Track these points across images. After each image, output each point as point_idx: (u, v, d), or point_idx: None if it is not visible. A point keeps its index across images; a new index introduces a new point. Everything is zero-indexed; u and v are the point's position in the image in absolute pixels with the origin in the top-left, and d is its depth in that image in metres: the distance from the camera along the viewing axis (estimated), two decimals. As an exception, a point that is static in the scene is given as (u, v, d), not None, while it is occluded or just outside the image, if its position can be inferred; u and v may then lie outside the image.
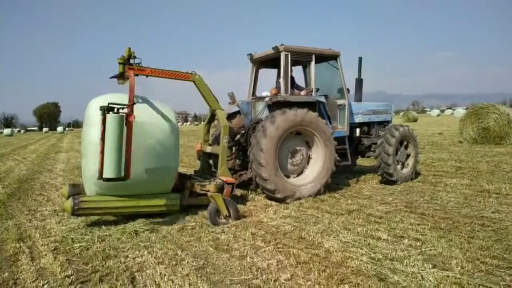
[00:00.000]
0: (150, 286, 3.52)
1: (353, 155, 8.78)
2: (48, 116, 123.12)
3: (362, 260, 3.94)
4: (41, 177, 10.61)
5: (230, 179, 5.83)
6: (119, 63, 5.73)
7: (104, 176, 4.70)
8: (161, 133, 5.51)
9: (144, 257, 4.21)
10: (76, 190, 5.88)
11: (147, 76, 5.97)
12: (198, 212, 5.98)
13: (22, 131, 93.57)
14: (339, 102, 7.90)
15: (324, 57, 7.78)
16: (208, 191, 5.66)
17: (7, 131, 64.33)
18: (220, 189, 5.60)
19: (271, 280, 3.58)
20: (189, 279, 3.63)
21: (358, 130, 8.55)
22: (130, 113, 4.93)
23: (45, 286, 3.54)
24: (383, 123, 8.92)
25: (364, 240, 4.54)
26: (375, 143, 8.14)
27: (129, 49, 5.74)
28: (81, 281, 3.65)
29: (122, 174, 4.80)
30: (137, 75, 5.92)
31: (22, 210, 6.60)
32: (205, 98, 6.40)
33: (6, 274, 3.86)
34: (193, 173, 7.53)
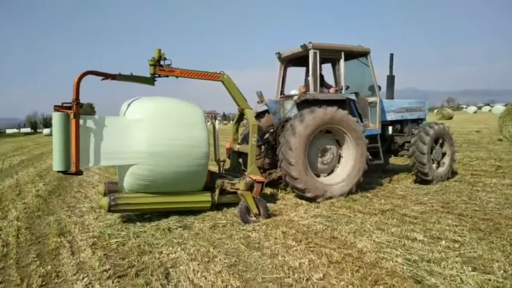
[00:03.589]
0: (184, 282, 3.59)
1: (386, 153, 8.58)
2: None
3: (397, 261, 3.84)
4: (78, 175, 11.02)
5: (259, 177, 5.85)
6: (150, 65, 5.88)
7: (54, 169, 5.01)
8: (191, 133, 5.60)
9: (178, 253, 4.30)
10: (112, 188, 6.08)
11: (177, 77, 6.09)
12: (229, 210, 6.03)
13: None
14: (370, 99, 7.74)
15: (353, 54, 7.63)
16: (238, 189, 5.70)
17: (46, 131, 67.52)
18: (250, 188, 5.62)
19: (303, 279, 3.56)
20: (222, 276, 3.68)
21: (390, 128, 8.32)
22: (73, 112, 4.92)
23: (85, 279, 3.69)
24: (417, 121, 8.67)
25: (399, 241, 4.43)
26: (409, 142, 7.92)
27: (159, 50, 5.87)
28: (118, 276, 3.78)
29: (70, 168, 4.99)
30: (167, 76, 6.06)
31: (62, 206, 6.90)
32: (234, 97, 6.44)
33: (49, 267, 4.05)
34: (223, 171, 7.60)
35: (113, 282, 3.61)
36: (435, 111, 56.79)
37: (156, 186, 5.48)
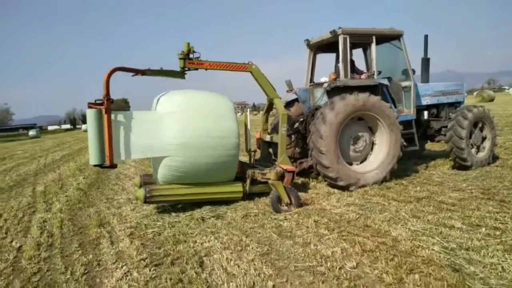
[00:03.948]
0: (218, 270, 3.67)
1: (422, 139, 8.32)
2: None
3: (433, 249, 3.74)
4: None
5: (290, 167, 5.84)
6: (180, 58, 5.97)
7: (90, 163, 5.12)
8: (221, 124, 5.67)
9: (211, 242, 4.40)
10: (147, 180, 6.28)
11: (206, 69, 6.15)
12: (260, 199, 6.08)
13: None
14: (404, 84, 7.49)
15: (385, 38, 7.39)
16: (269, 179, 5.72)
17: (84, 126, 70.62)
18: (280, 177, 5.63)
19: (336, 267, 3.55)
20: (254, 264, 3.73)
21: (426, 113, 8.04)
22: (105, 107, 5.03)
23: (124, 267, 3.86)
24: (454, 105, 8.32)
25: (436, 229, 4.31)
26: (446, 126, 7.63)
27: (188, 44, 5.94)
28: (155, 264, 3.92)
29: (105, 162, 5.09)
30: (196, 69, 6.13)
31: (101, 198, 7.22)
32: (263, 87, 6.43)
33: (90, 256, 4.27)
34: (254, 162, 7.64)
35: (150, 270, 3.75)
36: (475, 93, 53.97)
37: (189, 177, 5.60)
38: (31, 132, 59.06)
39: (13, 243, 4.87)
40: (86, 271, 3.89)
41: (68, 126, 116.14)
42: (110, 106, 5.08)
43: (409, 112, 7.45)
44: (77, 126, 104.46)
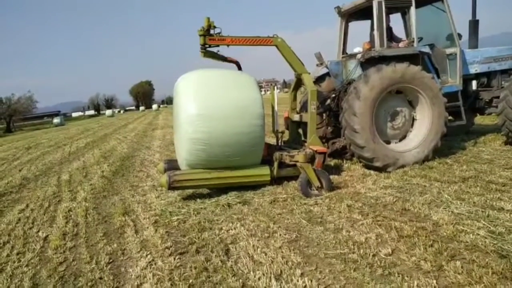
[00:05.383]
0: (244, 258, 3.78)
1: (470, 113, 8.03)
2: (143, 95, 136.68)
3: (478, 234, 3.66)
4: (140, 154, 11.89)
5: (321, 148, 5.81)
6: (200, 35, 6.00)
7: None
8: (244, 95, 5.77)
9: (237, 229, 4.51)
10: (171, 166, 6.46)
11: (228, 45, 6.17)
12: (289, 184, 6.11)
13: (121, 111, 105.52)
14: (449, 51, 7.19)
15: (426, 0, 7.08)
16: (298, 161, 5.72)
17: (108, 112, 73.36)
18: (310, 159, 5.62)
19: (369, 255, 3.56)
20: (282, 252, 3.80)
21: (474, 83, 7.72)
22: None
23: (148, 256, 4.04)
24: (508, 72, 7.90)
25: (482, 212, 4.20)
26: (498, 97, 7.29)
27: (208, 19, 5.95)
28: (179, 252, 4.08)
29: None
30: (218, 45, 6.16)
31: (126, 186, 7.52)
32: (289, 62, 6.38)
33: (115, 245, 4.50)
34: (282, 143, 7.65)
35: (174, 259, 3.91)
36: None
37: (214, 152, 5.62)
38: (56, 120, 61.86)
39: (40, 233, 5.21)
40: (111, 260, 4.11)
41: (92, 112, 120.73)
42: None
43: (454, 82, 7.17)
44: (101, 112, 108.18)
